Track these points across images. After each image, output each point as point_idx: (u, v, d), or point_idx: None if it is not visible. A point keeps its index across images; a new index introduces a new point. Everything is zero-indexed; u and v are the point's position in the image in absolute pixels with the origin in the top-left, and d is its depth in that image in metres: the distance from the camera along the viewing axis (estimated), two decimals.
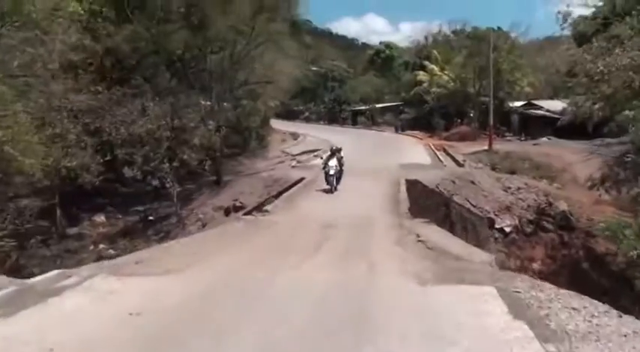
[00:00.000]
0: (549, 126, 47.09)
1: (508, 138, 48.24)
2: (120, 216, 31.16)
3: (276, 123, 60.03)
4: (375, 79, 78.94)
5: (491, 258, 10.71)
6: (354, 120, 73.13)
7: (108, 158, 25.39)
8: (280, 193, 20.77)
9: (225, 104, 33.04)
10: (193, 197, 31.06)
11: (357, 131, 62.62)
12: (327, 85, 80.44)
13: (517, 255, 25.09)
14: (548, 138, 45.02)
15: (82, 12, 23.14)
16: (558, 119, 46.95)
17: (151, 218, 29.83)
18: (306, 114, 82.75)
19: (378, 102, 72.60)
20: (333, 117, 76.85)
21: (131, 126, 24.75)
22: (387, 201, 18.44)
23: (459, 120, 54.48)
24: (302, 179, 24.38)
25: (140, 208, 31.53)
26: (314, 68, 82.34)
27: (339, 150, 22.93)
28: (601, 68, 20.53)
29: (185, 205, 29.92)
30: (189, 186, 33.85)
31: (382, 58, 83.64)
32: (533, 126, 48.56)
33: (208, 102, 29.20)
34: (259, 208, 18.92)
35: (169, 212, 28.66)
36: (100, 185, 27.84)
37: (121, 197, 31.89)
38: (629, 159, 24.47)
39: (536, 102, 52.02)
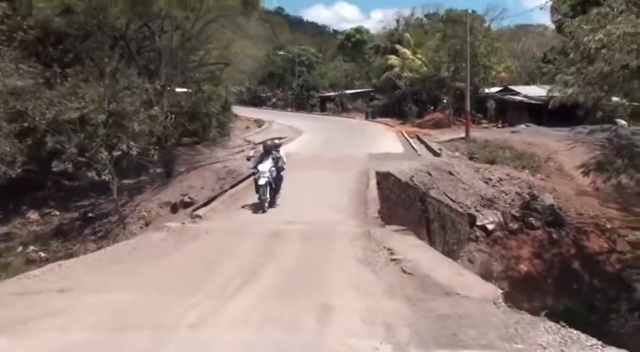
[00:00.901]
0: (527, 112, 44.69)
1: (484, 125, 45.59)
2: (57, 213, 27.89)
3: (241, 110, 57.11)
4: (344, 65, 75.94)
5: (496, 293, 7.53)
6: (323, 106, 70.04)
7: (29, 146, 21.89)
8: (224, 191, 17.69)
9: (176, 88, 29.75)
10: (142, 190, 27.88)
11: (325, 118, 59.59)
12: (294, 71, 77.21)
13: (502, 255, 22.46)
14: (527, 125, 42.54)
15: None
16: (536, 105, 44.76)
17: (90, 215, 26.67)
18: (273, 100, 79.53)
19: (348, 89, 69.57)
20: (301, 103, 73.65)
21: (60, 109, 21.39)
22: (353, 200, 15.40)
23: (432, 107, 51.87)
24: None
25: (85, 203, 28.32)
26: (281, 53, 79.20)
27: (276, 146, 16.50)
28: (600, 36, 17.86)
29: (130, 200, 26.81)
30: (138, 178, 30.75)
31: (352, 43, 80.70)
32: (510, 112, 46.05)
33: (156, 86, 25.75)
34: (197, 209, 15.99)
35: (112, 208, 25.47)
36: (38, 178, 24.73)
37: (64, 190, 28.44)
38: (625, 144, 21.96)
39: (513, 87, 49.51)
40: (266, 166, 14.78)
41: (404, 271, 8.26)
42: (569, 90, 21.79)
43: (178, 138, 37.16)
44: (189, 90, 36.70)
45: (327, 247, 10.18)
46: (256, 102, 78.97)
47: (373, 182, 17.55)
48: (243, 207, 14.78)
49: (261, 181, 14.39)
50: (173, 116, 28.32)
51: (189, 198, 23.40)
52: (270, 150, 15.63)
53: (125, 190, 28.94)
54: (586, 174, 22.59)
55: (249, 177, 20.99)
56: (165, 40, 28.57)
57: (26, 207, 28.95)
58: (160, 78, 27.30)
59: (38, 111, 21.28)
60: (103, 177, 22.14)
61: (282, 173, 15.60)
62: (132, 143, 22.39)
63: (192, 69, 33.85)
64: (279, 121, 52.04)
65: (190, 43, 29.43)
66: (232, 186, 18.66)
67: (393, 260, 8.85)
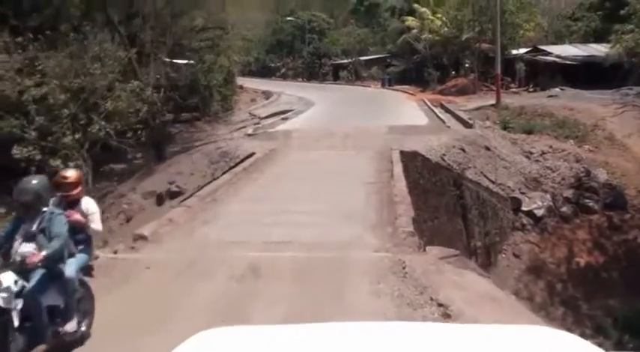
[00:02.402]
0: (560, 74, 40.42)
1: (513, 89, 41.25)
2: None
3: (248, 82, 53.41)
4: (358, 30, 71.35)
5: None
6: (336, 75, 65.77)
7: None
8: (202, 187, 13.82)
9: (170, 59, 25.90)
10: (135, 176, 24.22)
11: (338, 87, 55.41)
12: (305, 38, 72.62)
13: (554, 245, 18.58)
14: (562, 89, 38.25)
15: None
16: (570, 66, 40.61)
17: None
18: (283, 70, 75.02)
19: (362, 55, 65.18)
20: (312, 73, 69.39)
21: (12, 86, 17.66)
22: (372, 198, 11.33)
23: (454, 72, 47.56)
24: (251, 155, 17.33)
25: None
26: (290, 19, 74.72)
27: (67, 191, 6.42)
28: None
29: (113, 190, 23.18)
30: (129, 163, 27.15)
31: (365, 6, 75.73)
32: (542, 75, 41.74)
33: (131, 54, 21.83)
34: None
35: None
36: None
37: (50, 176, 24.85)
38: None
39: (543, 47, 45.08)
40: (26, 249, 5.69)
41: None
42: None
43: (175, 115, 33.70)
44: (191, 62, 33.09)
45: (333, 300, 6.27)
46: (265, 72, 74.80)
47: (399, 168, 13.44)
48: (215, 216, 10.74)
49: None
50: (162, 90, 24.61)
51: (177, 186, 19.71)
52: (39, 205, 5.80)
53: (113, 177, 25.39)
54: None
55: (243, 160, 17.25)
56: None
57: (2, 196, 25.61)
58: (143, 45, 23.38)
59: None
60: (71, 164, 18.41)
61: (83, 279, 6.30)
62: (103, 123, 18.59)
63: (186, 36, 29.92)
64: (288, 92, 47.89)
65: (178, 2, 25.44)
66: (216, 178, 14.73)
67: None
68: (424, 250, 7.79)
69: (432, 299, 5.88)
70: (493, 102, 32.61)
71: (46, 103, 18.85)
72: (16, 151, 17.89)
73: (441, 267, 6.90)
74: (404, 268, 6.96)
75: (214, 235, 9.34)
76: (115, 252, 8.70)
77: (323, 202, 11.07)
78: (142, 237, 9.20)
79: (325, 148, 18.19)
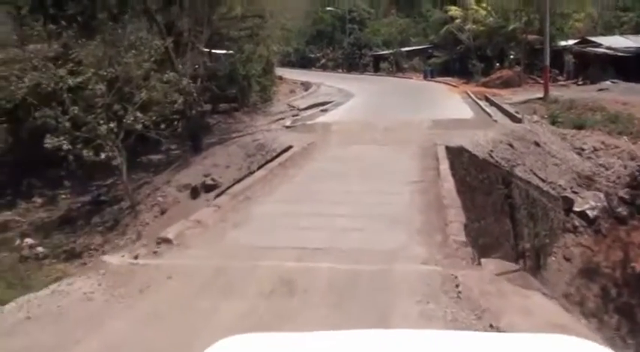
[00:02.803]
0: (611, 67, 38.73)
1: (561, 82, 39.67)
2: (68, 195, 24.21)
3: (287, 73, 53.07)
4: (399, 20, 70.15)
5: None
6: (376, 66, 64.68)
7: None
8: (236, 181, 13.12)
9: (201, 47, 25.35)
10: (171, 168, 23.80)
11: (378, 79, 54.31)
12: (345, 29, 71.55)
13: (608, 249, 17.45)
14: (613, 82, 36.56)
15: None
16: (622, 58, 38.85)
17: (103, 198, 22.78)
18: (323, 61, 74.22)
19: (403, 46, 63.92)
20: (352, 64, 68.37)
21: (45, 73, 17.27)
22: (417, 199, 10.41)
23: (499, 63, 46.12)
24: (288, 149, 16.59)
25: (105, 182, 24.52)
26: (330, 9, 73.77)
27: None
28: None
29: (149, 182, 22.86)
30: (167, 155, 26.83)
31: None
32: (592, 67, 40.05)
33: (168, 43, 21.28)
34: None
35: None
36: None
37: (86, 168, 24.44)
38: None
39: (593, 38, 43.32)
40: None
41: None
42: None
43: (214, 105, 33.35)
44: (230, 52, 32.62)
45: (377, 324, 5.29)
46: (305, 63, 74.15)
47: (445, 166, 12.52)
48: (247, 218, 9.85)
49: None
50: (199, 80, 24.11)
51: (212, 179, 19.21)
52: None
53: (150, 168, 25.04)
54: None
55: (280, 154, 16.55)
56: None
57: (40, 186, 25.50)
58: (180, 34, 22.84)
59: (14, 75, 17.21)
60: (104, 155, 18.09)
61: None
62: (139, 114, 18.10)
63: (224, 25, 29.40)
64: (328, 83, 47.07)
65: None
66: (251, 173, 14.04)
67: None
68: (479, 263, 6.90)
69: (492, 326, 5.05)
70: (540, 95, 31.30)
71: (81, 93, 18.49)
72: (48, 141, 17.54)
73: (500, 286, 6.01)
74: (457, 286, 6.11)
75: (245, 240, 8.52)
76: (136, 257, 7.87)
77: (363, 203, 10.25)
78: (167, 241, 8.38)
79: (366, 142, 17.38)
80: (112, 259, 7.53)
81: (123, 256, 7.72)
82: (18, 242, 19.79)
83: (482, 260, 6.98)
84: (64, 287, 6.60)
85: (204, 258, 7.55)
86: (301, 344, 2.23)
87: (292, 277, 6.61)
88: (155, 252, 7.90)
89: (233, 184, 14.64)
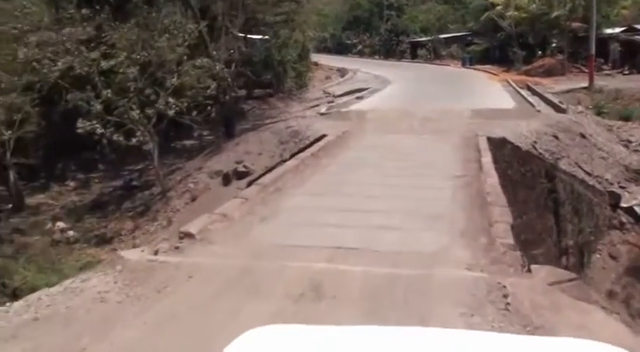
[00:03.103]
0: None
1: (606, 71, 38.23)
2: (98, 180, 24.17)
3: (323, 58, 52.25)
4: (437, 6, 68.78)
5: None
6: (414, 53, 63.53)
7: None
8: (268, 170, 12.61)
9: (235, 32, 24.94)
10: (203, 154, 23.53)
11: (416, 66, 53.22)
12: (382, 15, 70.41)
13: None
14: None
15: None
16: None
17: (135, 183, 22.64)
18: (359, 47, 73.16)
19: (442, 33, 62.59)
20: (389, 50, 67.19)
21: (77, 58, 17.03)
22: (459, 195, 9.70)
23: (541, 52, 44.81)
24: (322, 137, 16.03)
25: (138, 167, 24.42)
26: None
27: None
28: None
29: (181, 167, 22.64)
30: (200, 141, 26.62)
31: None
32: (639, 56, 38.55)
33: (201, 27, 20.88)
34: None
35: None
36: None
37: (120, 152, 24.27)
38: None
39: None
40: None
41: None
42: None
43: (248, 91, 33.06)
44: (265, 37, 32.22)
45: None
46: (341, 49, 73.26)
47: (488, 159, 11.76)
48: (276, 212, 9.19)
49: None
50: (233, 65, 23.74)
51: (244, 166, 18.83)
52: None
53: (183, 153, 24.83)
54: None
55: (314, 143, 16.04)
56: None
57: (74, 169, 25.51)
58: (215, 18, 22.44)
59: (47, 58, 17.01)
60: (135, 140, 17.87)
61: None
62: (170, 100, 17.78)
63: (260, 9, 28.94)
64: (364, 70, 46.16)
65: None
66: (283, 161, 13.53)
67: None
68: (528, 270, 6.22)
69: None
70: (584, 84, 30.20)
71: (113, 77, 18.26)
72: (80, 125, 17.36)
73: (554, 298, 5.34)
74: (505, 296, 5.47)
75: (273, 236, 7.95)
76: (156, 253, 7.30)
77: (401, 198, 9.57)
78: (189, 235, 7.76)
79: (403, 132, 16.77)
80: (130, 254, 7.04)
81: (142, 251, 7.23)
82: (50, 225, 19.71)
83: (533, 266, 6.32)
84: (77, 284, 6.16)
85: (228, 256, 7.03)
86: (331, 337, 2.22)
87: (323, 280, 6.05)
88: (177, 248, 7.37)
89: (264, 173, 14.23)
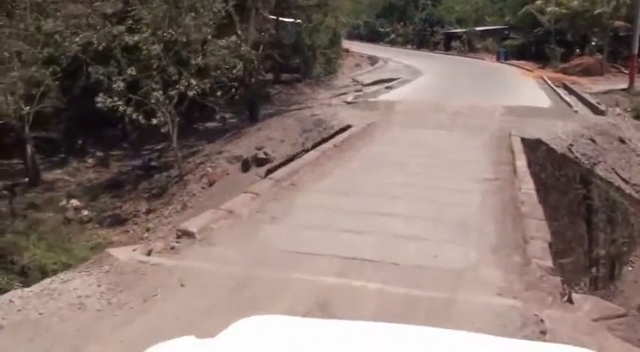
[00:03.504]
0: None
1: None
2: (118, 158, 23.83)
3: (355, 46, 51.61)
4: None
5: None
6: (448, 45, 62.17)
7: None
8: (287, 160, 11.94)
9: (266, 14, 24.31)
10: (224, 137, 22.98)
11: (449, 58, 52.07)
12: (418, 4, 69.06)
13: None
14: None
15: None
16: None
17: (154, 164, 22.22)
18: (392, 36, 71.97)
19: (478, 26, 61.20)
20: (423, 40, 65.94)
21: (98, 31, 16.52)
22: (490, 201, 8.81)
23: (579, 50, 43.45)
24: (346, 128, 15.31)
25: (160, 146, 23.99)
26: None
27: None
28: None
29: (201, 150, 22.13)
30: (223, 123, 26.11)
31: None
32: None
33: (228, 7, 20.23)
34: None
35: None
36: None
37: (142, 131, 23.73)
38: None
39: None
40: None
41: None
42: None
43: (276, 75, 32.49)
44: (297, 21, 31.54)
45: None
46: (373, 37, 72.11)
47: (523, 162, 10.85)
48: (288, 211, 8.40)
49: None
50: (261, 48, 23.12)
51: (265, 153, 18.25)
52: None
53: (205, 136, 24.30)
54: None
55: (337, 133, 15.35)
56: None
57: (94, 145, 25.18)
58: None
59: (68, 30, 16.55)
60: (155, 120, 17.37)
61: None
62: (192, 81, 17.20)
63: None
64: (396, 59, 45.36)
65: None
66: (305, 151, 12.84)
67: None
68: (569, 300, 5.36)
69: None
70: (624, 86, 29.05)
71: (138, 54, 17.72)
72: (100, 99, 16.87)
73: (602, 339, 4.41)
74: (543, 333, 4.60)
75: (281, 240, 7.08)
76: (149, 253, 6.49)
77: (425, 201, 8.79)
78: (188, 234, 6.92)
79: (432, 127, 16.01)
80: (120, 253, 6.23)
81: (134, 250, 6.52)
82: (63, 202, 19.30)
83: (575, 296, 5.46)
84: (57, 285, 5.49)
85: (228, 262, 6.27)
86: (322, 330, 2.19)
87: (331, 298, 5.28)
88: (172, 248, 6.58)
89: (283, 162, 13.62)
